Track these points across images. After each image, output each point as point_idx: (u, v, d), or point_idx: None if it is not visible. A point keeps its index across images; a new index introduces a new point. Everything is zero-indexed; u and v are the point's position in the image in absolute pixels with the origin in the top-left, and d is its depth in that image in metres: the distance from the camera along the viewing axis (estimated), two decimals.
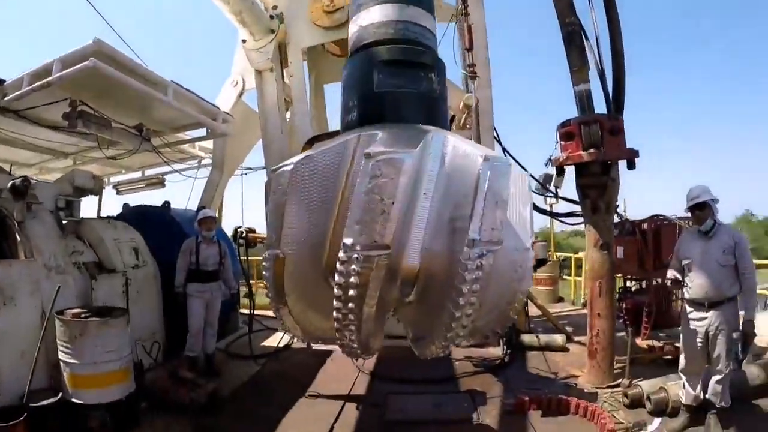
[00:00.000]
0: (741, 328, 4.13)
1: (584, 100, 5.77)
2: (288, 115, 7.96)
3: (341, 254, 1.89)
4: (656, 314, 6.28)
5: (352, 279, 1.89)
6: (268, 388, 5.92)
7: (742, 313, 4.21)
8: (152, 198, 10.13)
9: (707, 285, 4.22)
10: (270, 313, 8.87)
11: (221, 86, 8.45)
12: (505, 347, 6.72)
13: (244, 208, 9.47)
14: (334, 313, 1.97)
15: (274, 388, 5.92)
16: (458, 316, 2.00)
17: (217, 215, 7.20)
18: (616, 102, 5.71)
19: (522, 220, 2.45)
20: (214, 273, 6.23)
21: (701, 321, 4.27)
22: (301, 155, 2.17)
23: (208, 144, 8.97)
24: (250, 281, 8.52)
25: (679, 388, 4.61)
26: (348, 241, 1.88)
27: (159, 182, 9.34)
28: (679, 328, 6.63)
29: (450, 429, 4.81)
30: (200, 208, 7.52)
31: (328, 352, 7.16)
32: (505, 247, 2.12)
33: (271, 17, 7.07)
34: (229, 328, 7.63)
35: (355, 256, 1.87)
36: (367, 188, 1.89)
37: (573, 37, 5.53)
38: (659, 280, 6.55)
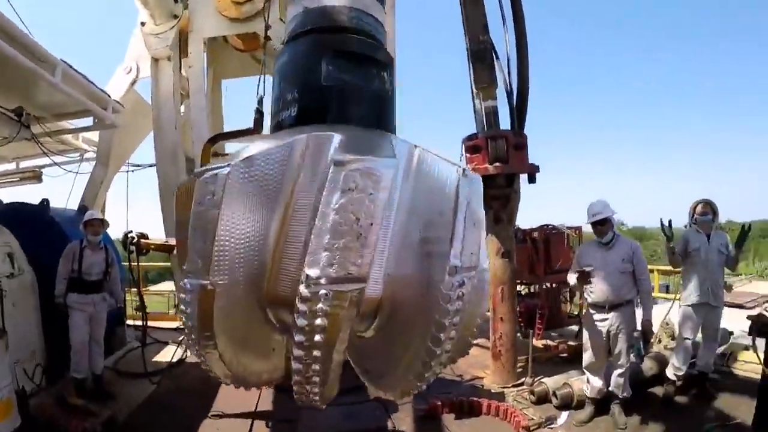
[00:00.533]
0: (640, 327, 4.32)
1: (491, 116, 5.74)
2: (182, 108, 6.97)
3: (303, 289, 1.36)
4: (548, 316, 6.50)
5: (318, 321, 1.36)
6: (167, 409, 5.02)
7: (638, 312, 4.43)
8: (26, 194, 8.39)
9: (608, 290, 4.35)
10: (160, 324, 7.89)
11: (104, 72, 7.16)
12: None
13: (129, 208, 8.06)
14: (294, 364, 1.43)
15: (173, 408, 5.04)
16: (439, 353, 1.59)
17: (104, 218, 6.02)
18: (519, 120, 5.76)
19: (480, 239, 2.10)
20: (97, 283, 5.16)
21: (603, 322, 4.40)
22: (240, 157, 1.58)
23: (92, 136, 7.55)
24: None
25: (583, 383, 4.72)
26: (313, 272, 1.35)
27: (35, 176, 7.68)
28: (569, 327, 7.04)
29: None
30: (81, 207, 6.25)
31: None
32: None
33: (176, 1, 6.08)
34: (116, 343, 6.44)
35: (323, 292, 1.35)
36: (339, 205, 1.38)
37: (485, 55, 5.44)
38: (549, 284, 6.80)
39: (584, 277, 4.43)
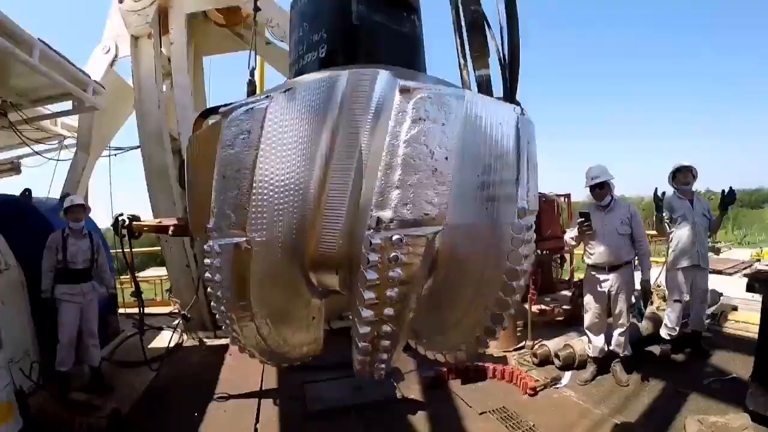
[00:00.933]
0: (640, 286, 4.22)
1: (484, 85, 5.50)
2: (164, 88, 6.44)
3: (372, 236, 1.08)
4: (540, 282, 6.38)
5: (391, 273, 1.09)
6: (171, 396, 4.69)
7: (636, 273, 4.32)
8: (3, 186, 7.66)
9: (607, 251, 4.24)
10: (151, 310, 7.44)
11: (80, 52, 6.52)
12: None
13: (113, 193, 7.41)
14: (362, 328, 1.15)
15: (177, 395, 4.71)
16: (510, 303, 1.36)
17: (86, 203, 5.51)
18: (512, 88, 5.53)
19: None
20: (85, 271, 4.70)
21: (604, 283, 4.29)
22: (282, 88, 1.28)
23: (71, 121, 6.92)
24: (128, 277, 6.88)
25: (584, 344, 4.63)
26: (385, 214, 1.08)
27: (13, 169, 7.00)
28: (561, 292, 6.96)
29: (378, 411, 4.21)
30: (64, 195, 5.73)
31: (225, 347, 6.02)
32: None
33: None
34: (109, 332, 5.99)
35: (397, 237, 1.08)
36: (410, 136, 1.11)
37: (477, 24, 5.18)
38: (540, 251, 6.68)
39: (586, 223, 4.17)
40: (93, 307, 4.79)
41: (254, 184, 1.22)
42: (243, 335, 1.42)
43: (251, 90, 3.45)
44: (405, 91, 1.15)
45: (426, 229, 1.11)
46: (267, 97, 1.24)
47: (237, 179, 1.25)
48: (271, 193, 1.25)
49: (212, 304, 1.47)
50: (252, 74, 4.21)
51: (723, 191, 4.58)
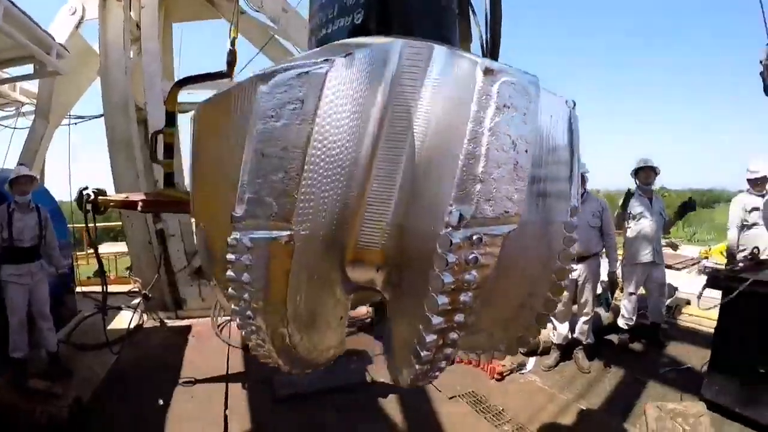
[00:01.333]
0: (607, 278, 4.34)
1: None
2: (131, 54, 5.87)
3: (451, 234, 0.92)
4: None
5: (468, 276, 0.95)
6: (133, 381, 4.33)
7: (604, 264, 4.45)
8: None
9: (578, 243, 4.30)
10: (111, 288, 6.87)
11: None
12: (368, 305, 6.16)
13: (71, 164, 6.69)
14: (429, 337, 0.99)
15: (140, 379, 4.37)
16: (557, 302, 1.29)
17: (34, 174, 4.89)
18: None
19: None
20: (32, 250, 4.22)
21: (573, 272, 4.35)
22: (340, 51, 1.06)
23: (29, 86, 6.16)
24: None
25: (547, 330, 4.70)
26: (467, 210, 0.93)
27: None
28: None
29: (348, 394, 4.12)
30: (20, 165, 5.10)
31: (187, 328, 5.68)
32: None
33: None
34: (65, 313, 5.44)
35: (477, 236, 0.93)
36: (494, 123, 0.96)
37: (463, 9, 5.05)
38: None
39: None
40: (43, 287, 4.30)
41: (306, 166, 1.01)
42: (271, 344, 1.21)
43: (231, 60, 3.15)
44: (489, 72, 0.99)
45: (504, 228, 0.97)
46: (325, 60, 1.02)
47: (283, 159, 1.03)
48: (320, 178, 1.05)
49: (233, 307, 1.24)
50: (233, 44, 3.85)
51: (686, 202, 4.79)
